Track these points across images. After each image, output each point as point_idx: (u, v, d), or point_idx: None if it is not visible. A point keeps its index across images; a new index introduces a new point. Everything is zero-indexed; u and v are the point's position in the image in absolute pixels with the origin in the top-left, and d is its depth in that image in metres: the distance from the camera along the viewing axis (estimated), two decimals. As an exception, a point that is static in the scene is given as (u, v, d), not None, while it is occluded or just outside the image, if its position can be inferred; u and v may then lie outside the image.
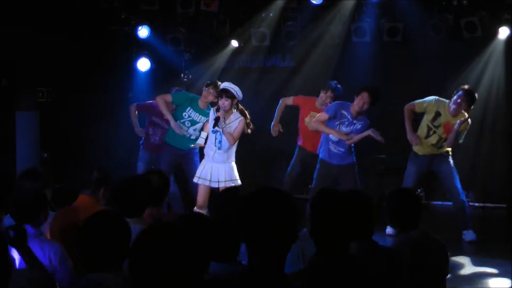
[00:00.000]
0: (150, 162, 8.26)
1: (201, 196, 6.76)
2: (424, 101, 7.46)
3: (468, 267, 6.55)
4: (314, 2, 9.54)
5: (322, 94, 7.92)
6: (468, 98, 7.27)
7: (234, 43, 10.26)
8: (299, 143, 8.21)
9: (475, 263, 6.67)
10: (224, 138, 6.68)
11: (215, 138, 6.72)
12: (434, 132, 7.36)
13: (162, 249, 2.13)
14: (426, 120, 7.46)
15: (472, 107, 7.40)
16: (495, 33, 9.29)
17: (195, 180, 6.86)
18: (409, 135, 7.39)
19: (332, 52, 10.16)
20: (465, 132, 7.45)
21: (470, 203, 9.90)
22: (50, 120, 8.98)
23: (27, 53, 8.43)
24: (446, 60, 9.48)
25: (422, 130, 7.48)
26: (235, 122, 6.68)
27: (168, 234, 2.17)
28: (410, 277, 3.45)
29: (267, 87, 10.40)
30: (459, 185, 7.42)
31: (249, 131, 6.83)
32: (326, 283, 2.63)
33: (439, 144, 7.42)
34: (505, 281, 6.08)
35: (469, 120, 7.43)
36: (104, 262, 2.92)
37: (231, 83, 6.81)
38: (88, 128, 9.57)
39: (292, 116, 8.35)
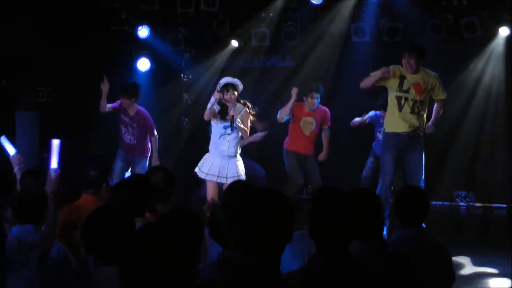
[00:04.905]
0: (128, 160, 7.98)
1: (210, 193, 6.71)
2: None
3: (468, 267, 6.54)
4: (314, 2, 9.54)
5: (309, 99, 8.05)
6: (412, 50, 6.75)
7: (234, 43, 10.27)
8: (291, 147, 8.21)
9: (475, 263, 6.66)
10: (238, 133, 6.69)
11: (229, 134, 6.69)
12: (406, 99, 6.78)
13: (150, 248, 2.18)
14: (392, 92, 6.89)
15: (424, 57, 6.80)
16: (495, 33, 9.30)
17: (202, 176, 6.77)
18: (379, 71, 6.76)
19: (332, 52, 10.17)
20: (440, 87, 6.90)
21: (470, 203, 9.92)
22: (50, 120, 8.98)
23: (27, 53, 8.43)
24: (446, 60, 9.48)
25: (393, 105, 6.89)
26: (242, 112, 6.72)
27: (155, 233, 2.22)
28: (410, 276, 3.44)
29: (267, 87, 10.40)
30: (422, 177, 6.89)
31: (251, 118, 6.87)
32: (324, 283, 2.63)
33: (416, 109, 6.81)
34: (505, 281, 6.08)
35: (430, 75, 6.88)
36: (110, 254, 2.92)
37: (228, 77, 6.81)
38: (88, 128, 9.57)
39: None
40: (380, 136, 7.82)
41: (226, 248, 3.34)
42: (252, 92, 10.07)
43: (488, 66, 9.65)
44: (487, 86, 9.73)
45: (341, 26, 9.92)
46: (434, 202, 9.90)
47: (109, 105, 7.91)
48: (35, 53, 8.51)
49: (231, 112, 6.60)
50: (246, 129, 6.72)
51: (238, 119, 6.63)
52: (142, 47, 10.23)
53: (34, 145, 8.69)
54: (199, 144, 8.95)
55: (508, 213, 9.52)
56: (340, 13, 9.79)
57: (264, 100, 10.07)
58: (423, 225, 4.01)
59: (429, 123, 7.03)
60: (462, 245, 7.04)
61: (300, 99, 8.13)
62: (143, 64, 10.25)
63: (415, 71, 6.79)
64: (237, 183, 4.39)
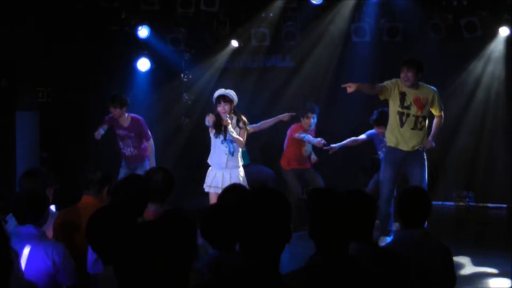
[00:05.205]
0: (131, 168, 8.02)
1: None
2: (386, 82, 6.88)
3: (468, 267, 6.55)
4: (314, 2, 9.54)
5: (305, 119, 8.11)
6: (411, 65, 6.72)
7: (234, 43, 10.27)
8: (289, 166, 8.28)
9: (475, 263, 6.66)
10: (233, 144, 6.68)
11: (225, 147, 6.69)
12: (408, 115, 6.78)
13: (145, 247, 2.18)
14: (393, 108, 6.87)
15: (422, 70, 6.76)
16: (495, 33, 9.30)
17: (206, 189, 6.77)
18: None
19: (332, 52, 10.17)
20: (438, 101, 6.91)
21: (470, 203, 9.92)
22: (50, 120, 8.97)
23: (27, 53, 8.42)
24: (446, 60, 9.48)
25: (394, 120, 6.88)
26: (236, 124, 6.70)
27: (150, 233, 2.22)
28: (411, 276, 3.44)
29: (267, 87, 10.40)
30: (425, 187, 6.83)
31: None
32: (324, 283, 2.64)
33: (418, 125, 6.82)
34: (505, 281, 6.08)
35: (430, 89, 6.88)
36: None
37: (221, 89, 6.80)
38: (88, 128, 9.56)
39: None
40: (381, 153, 7.85)
41: (218, 248, 3.34)
42: (252, 92, 10.07)
43: (488, 66, 9.65)
44: (487, 86, 9.72)
45: (341, 26, 9.93)
46: (434, 202, 9.86)
47: (102, 129, 7.90)
48: (35, 53, 8.50)
49: (224, 123, 6.60)
50: (242, 139, 6.69)
51: (232, 129, 6.62)
52: (142, 47, 10.22)
53: (34, 145, 8.68)
54: (199, 145, 8.96)
55: (508, 213, 9.51)
56: (340, 13, 9.80)
57: (264, 100, 10.08)
58: (425, 224, 4.01)
59: (429, 138, 7.02)
60: (462, 245, 7.05)
61: (296, 119, 8.17)
62: (143, 64, 10.25)
63: (413, 85, 6.78)
64: (233, 186, 4.37)
